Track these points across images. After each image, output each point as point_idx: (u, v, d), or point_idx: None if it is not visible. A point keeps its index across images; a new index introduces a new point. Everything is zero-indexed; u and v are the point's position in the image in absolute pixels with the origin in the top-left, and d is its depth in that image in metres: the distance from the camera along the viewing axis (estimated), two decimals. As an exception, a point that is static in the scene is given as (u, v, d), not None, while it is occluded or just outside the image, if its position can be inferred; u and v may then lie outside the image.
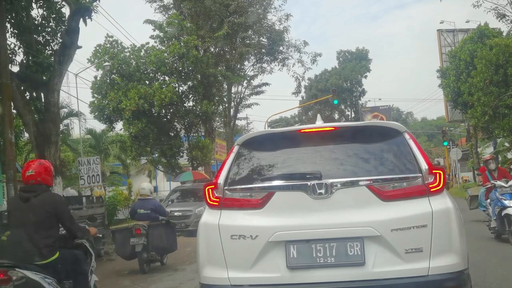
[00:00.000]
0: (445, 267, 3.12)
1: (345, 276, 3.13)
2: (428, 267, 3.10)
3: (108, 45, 21.18)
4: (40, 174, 4.56)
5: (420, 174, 3.28)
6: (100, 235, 8.89)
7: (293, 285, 3.20)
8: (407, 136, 3.50)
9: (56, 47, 13.69)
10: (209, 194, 3.52)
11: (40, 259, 4.33)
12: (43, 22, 13.98)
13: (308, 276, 3.18)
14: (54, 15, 13.86)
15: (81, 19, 12.79)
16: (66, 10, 13.68)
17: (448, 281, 3.10)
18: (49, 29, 14.07)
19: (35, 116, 12.89)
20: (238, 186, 3.50)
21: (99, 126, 33.24)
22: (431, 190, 3.24)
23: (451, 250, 3.16)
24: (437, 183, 3.27)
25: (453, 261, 3.14)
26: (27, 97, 13.25)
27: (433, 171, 3.29)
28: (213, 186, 3.53)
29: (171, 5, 25.67)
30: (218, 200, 3.47)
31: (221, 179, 3.51)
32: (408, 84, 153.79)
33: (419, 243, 3.12)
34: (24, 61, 13.13)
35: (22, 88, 12.76)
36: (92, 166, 13.17)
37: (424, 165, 3.29)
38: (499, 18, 20.16)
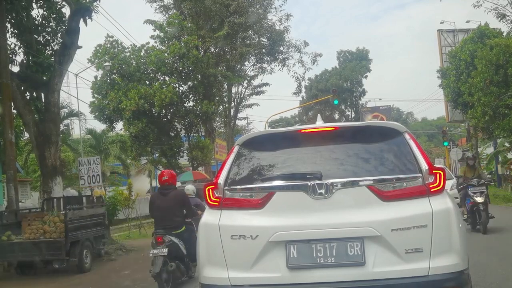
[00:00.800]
0: (446, 267, 3.12)
1: (345, 276, 3.14)
2: (428, 267, 3.10)
3: (108, 45, 21.13)
4: (170, 178, 7.43)
5: (420, 174, 3.28)
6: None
7: (294, 285, 3.20)
8: (407, 136, 3.51)
9: (56, 47, 13.68)
10: (209, 194, 3.52)
11: (175, 230, 7.14)
12: (43, 22, 13.97)
13: (309, 276, 3.18)
14: (54, 15, 13.85)
15: (81, 19, 12.77)
16: (66, 10, 13.69)
17: (448, 281, 3.10)
18: (49, 29, 14.05)
19: (35, 116, 12.88)
20: (238, 186, 3.50)
21: (99, 126, 33.27)
22: (431, 190, 3.25)
23: (451, 250, 3.17)
24: (437, 183, 3.27)
25: (453, 261, 3.14)
26: (28, 97, 13.27)
27: (433, 171, 3.29)
28: (213, 186, 3.53)
29: (171, 5, 25.66)
30: (218, 200, 3.47)
31: (221, 179, 3.51)
32: (408, 84, 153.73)
33: (419, 243, 3.13)
34: (25, 61, 13.12)
35: (22, 88, 12.75)
36: (92, 166, 13.15)
37: (424, 165, 3.29)
38: (499, 18, 20.13)
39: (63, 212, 9.96)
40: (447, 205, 3.25)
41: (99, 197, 12.47)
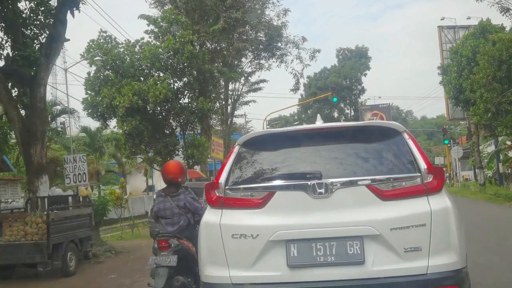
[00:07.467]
0: (444, 265, 3.14)
1: (345, 275, 3.18)
2: (427, 266, 3.13)
3: (101, 40, 20.59)
4: None
5: (419, 174, 3.31)
6: None
7: (294, 283, 3.23)
8: (406, 136, 3.54)
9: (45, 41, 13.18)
10: (210, 193, 3.57)
11: None
12: (31, 15, 13.48)
13: (309, 274, 3.22)
14: (43, 8, 13.37)
15: (69, 11, 12.25)
16: (54, 2, 13.17)
17: (447, 279, 3.13)
18: (38, 22, 13.56)
19: (22, 112, 12.37)
20: (239, 186, 3.54)
21: (94, 124, 32.71)
22: (430, 189, 3.27)
23: (450, 249, 3.19)
24: (436, 182, 3.30)
25: (451, 259, 3.17)
26: (16, 93, 12.77)
27: (432, 171, 3.33)
28: (214, 186, 3.57)
29: (167, 0, 25.13)
30: (219, 199, 3.51)
31: (222, 179, 3.55)
32: (408, 82, 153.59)
33: (418, 242, 3.16)
34: (10, 55, 12.60)
35: (7, 83, 12.22)
36: (78, 164, 12.54)
37: (423, 165, 3.32)
38: (502, 12, 19.50)
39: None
40: (445, 204, 3.27)
41: (85, 196, 11.91)
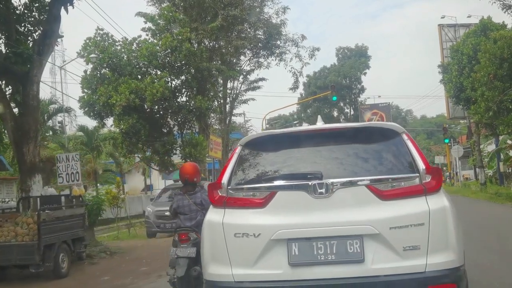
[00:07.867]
0: (442, 263, 3.20)
1: (345, 273, 3.24)
2: (426, 264, 3.18)
3: (98, 38, 20.33)
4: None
5: (418, 174, 3.37)
6: None
7: (295, 281, 3.29)
8: (405, 137, 3.60)
9: (39, 38, 12.93)
10: (213, 193, 3.64)
11: None
12: (25, 11, 13.24)
13: (309, 272, 3.28)
14: (37, 4, 13.14)
15: (62, 7, 12.00)
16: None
17: (444, 277, 3.18)
18: (32, 19, 13.33)
19: (15, 110, 12.12)
20: (242, 186, 3.61)
21: (91, 123, 32.45)
22: (428, 189, 3.33)
23: (448, 248, 3.25)
24: (434, 182, 3.35)
25: (449, 258, 3.22)
26: (9, 90, 12.52)
27: (430, 171, 3.39)
28: (217, 186, 3.63)
29: (165, -3, 24.80)
30: (222, 199, 3.57)
31: (224, 179, 3.62)
32: (407, 81, 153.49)
33: (417, 241, 3.22)
34: (3, 52, 12.35)
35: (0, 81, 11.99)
36: (71, 163, 12.26)
37: (421, 165, 3.39)
38: (504, 10, 19.21)
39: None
40: (443, 203, 3.33)
41: (78, 196, 11.66)
